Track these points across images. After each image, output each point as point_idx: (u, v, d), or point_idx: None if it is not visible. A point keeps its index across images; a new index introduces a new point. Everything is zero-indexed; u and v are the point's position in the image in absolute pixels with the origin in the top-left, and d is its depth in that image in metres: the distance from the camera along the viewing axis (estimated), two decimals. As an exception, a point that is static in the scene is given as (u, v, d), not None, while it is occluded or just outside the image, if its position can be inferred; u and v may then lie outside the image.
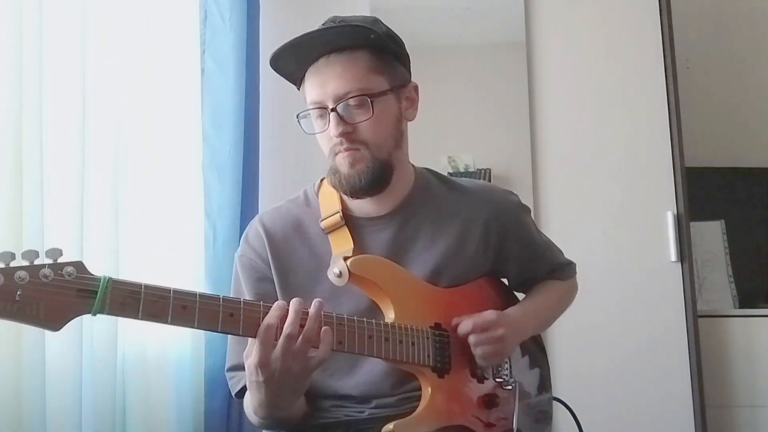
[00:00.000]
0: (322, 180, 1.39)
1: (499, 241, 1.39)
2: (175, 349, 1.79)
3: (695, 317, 2.22)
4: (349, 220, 1.32)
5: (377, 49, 1.27)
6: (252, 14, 2.14)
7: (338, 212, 1.31)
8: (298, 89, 1.33)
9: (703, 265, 2.45)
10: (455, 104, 2.37)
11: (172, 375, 1.76)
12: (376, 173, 1.26)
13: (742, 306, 2.40)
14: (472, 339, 1.24)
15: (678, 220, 2.29)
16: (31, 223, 1.35)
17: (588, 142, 2.39)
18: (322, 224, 1.32)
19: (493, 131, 2.44)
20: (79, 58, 1.50)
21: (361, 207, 1.33)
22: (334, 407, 1.31)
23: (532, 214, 2.32)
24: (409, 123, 1.35)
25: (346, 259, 1.23)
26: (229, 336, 1.36)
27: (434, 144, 2.28)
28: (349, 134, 1.24)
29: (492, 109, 2.44)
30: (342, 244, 1.28)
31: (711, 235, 2.50)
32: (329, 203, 1.34)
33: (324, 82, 1.24)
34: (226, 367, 1.35)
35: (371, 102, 1.24)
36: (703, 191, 2.43)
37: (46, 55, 1.41)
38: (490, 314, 1.27)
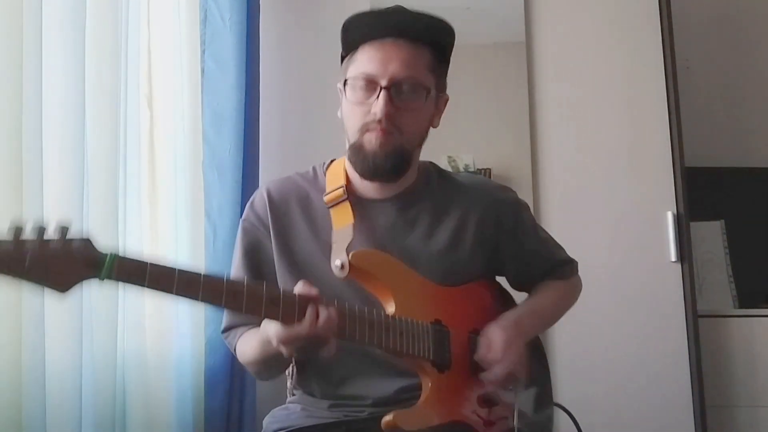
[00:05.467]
0: (332, 161, 1.42)
1: (494, 235, 1.39)
2: (175, 349, 1.79)
3: (695, 317, 2.22)
4: (352, 196, 1.34)
5: (438, 52, 1.32)
6: (252, 14, 2.14)
7: (342, 186, 1.33)
8: (343, 59, 1.34)
9: (703, 265, 2.45)
10: (455, 104, 2.35)
11: (172, 375, 1.75)
12: (400, 160, 1.30)
13: (742, 306, 2.40)
14: (503, 369, 1.24)
15: (678, 220, 2.29)
16: (30, 222, 1.35)
17: (588, 142, 2.39)
18: (326, 198, 1.34)
19: (493, 131, 2.44)
20: (78, 59, 1.49)
21: (366, 189, 1.35)
22: (334, 407, 1.31)
23: (532, 214, 2.32)
24: None
25: (348, 252, 1.24)
26: None
27: (434, 144, 2.25)
28: (391, 116, 1.25)
29: (492, 109, 2.44)
30: (343, 219, 1.30)
31: (711, 235, 2.50)
32: (335, 179, 1.36)
33: (387, 60, 1.26)
34: (221, 329, 1.39)
35: (425, 94, 1.28)
36: (703, 191, 2.43)
37: (46, 56, 1.41)
38: (499, 336, 1.26)
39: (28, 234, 0.93)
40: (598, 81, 2.42)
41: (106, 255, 0.98)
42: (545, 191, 2.35)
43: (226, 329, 1.37)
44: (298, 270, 1.20)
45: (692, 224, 2.31)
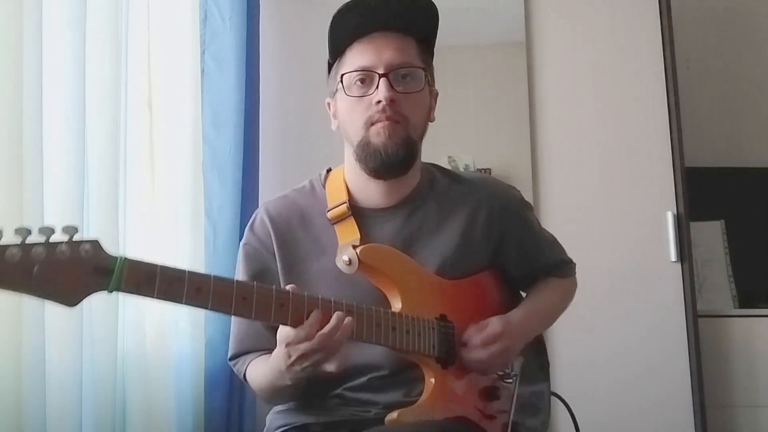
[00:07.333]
0: (328, 171, 1.40)
1: (500, 234, 1.39)
2: (175, 349, 1.79)
3: (695, 317, 2.22)
4: (355, 210, 1.31)
5: (423, 43, 1.32)
6: (252, 14, 2.14)
7: (345, 202, 1.31)
8: (332, 62, 1.33)
9: (703, 265, 2.45)
10: (455, 104, 2.37)
11: (172, 375, 1.75)
12: (408, 150, 1.27)
13: (742, 306, 2.40)
14: (482, 355, 1.25)
15: (678, 220, 2.29)
16: (31, 222, 1.35)
17: (588, 142, 2.39)
18: (329, 215, 1.32)
19: (493, 131, 2.45)
20: (78, 59, 1.49)
21: (369, 197, 1.33)
22: (340, 405, 1.31)
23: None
24: None
25: (355, 247, 1.23)
26: (231, 326, 1.38)
27: (434, 144, 2.25)
28: (395, 103, 1.24)
29: (492, 109, 2.44)
30: (348, 234, 1.28)
31: (711, 235, 2.50)
32: (336, 193, 1.34)
33: (379, 50, 1.25)
34: (228, 356, 1.38)
35: (424, 77, 1.28)
36: (703, 191, 2.43)
37: (46, 56, 1.40)
38: (496, 326, 1.27)
39: (35, 238, 0.90)
40: (598, 81, 2.42)
41: (116, 258, 0.96)
42: (545, 191, 2.35)
43: (234, 357, 1.36)
44: (309, 290, 1.19)
45: (692, 224, 2.31)
